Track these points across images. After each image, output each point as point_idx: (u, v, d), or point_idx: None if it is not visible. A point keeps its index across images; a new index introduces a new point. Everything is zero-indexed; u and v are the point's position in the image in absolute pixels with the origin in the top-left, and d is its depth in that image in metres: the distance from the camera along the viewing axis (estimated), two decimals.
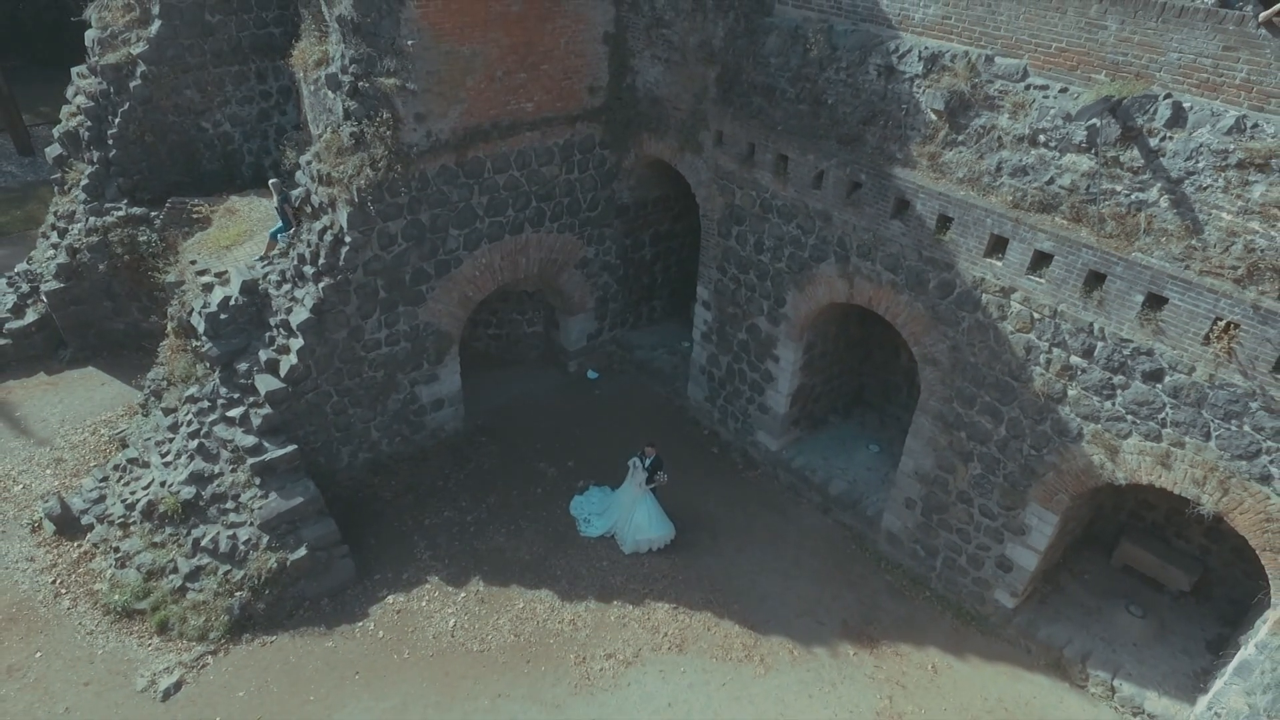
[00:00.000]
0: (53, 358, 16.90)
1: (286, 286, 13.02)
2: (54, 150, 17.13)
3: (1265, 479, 8.57)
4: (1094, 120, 8.83)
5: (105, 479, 13.43)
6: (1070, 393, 9.92)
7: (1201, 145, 8.17)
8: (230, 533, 11.93)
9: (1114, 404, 9.55)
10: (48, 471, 14.17)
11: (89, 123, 16.27)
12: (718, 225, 13.84)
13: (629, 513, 13.07)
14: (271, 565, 11.68)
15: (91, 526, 12.75)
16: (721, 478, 14.78)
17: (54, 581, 12.16)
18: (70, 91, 17.04)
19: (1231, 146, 7.96)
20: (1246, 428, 8.55)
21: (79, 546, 12.60)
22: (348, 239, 12.28)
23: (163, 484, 12.58)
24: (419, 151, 12.34)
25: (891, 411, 15.26)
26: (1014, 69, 9.47)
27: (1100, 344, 9.47)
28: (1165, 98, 8.36)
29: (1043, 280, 9.72)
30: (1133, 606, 11.70)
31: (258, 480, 12.16)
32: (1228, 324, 8.38)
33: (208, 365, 13.21)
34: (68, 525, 12.80)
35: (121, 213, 16.11)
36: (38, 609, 11.77)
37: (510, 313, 17.02)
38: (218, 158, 17.38)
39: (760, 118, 12.31)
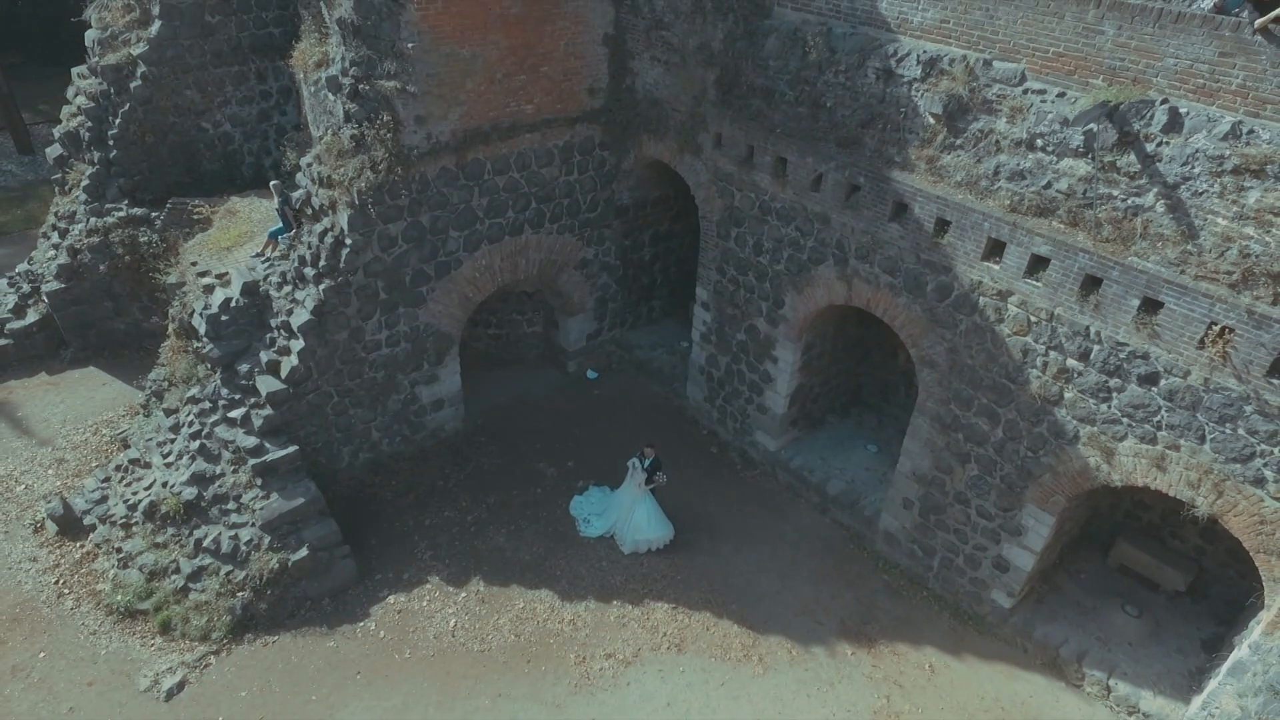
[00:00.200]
0: (54, 358, 16.93)
1: (287, 288, 13.07)
2: (54, 150, 17.15)
3: (1259, 482, 8.64)
4: (1091, 125, 8.86)
5: (107, 479, 13.47)
6: (1067, 395, 9.98)
7: (1197, 151, 8.21)
8: (232, 533, 12.00)
9: (1110, 407, 9.62)
10: (50, 472, 14.22)
11: (89, 123, 16.30)
12: (717, 227, 13.88)
13: (628, 513, 13.14)
14: (273, 565, 11.75)
15: (94, 527, 12.81)
16: (720, 478, 14.85)
17: (57, 582, 12.22)
18: (70, 92, 17.06)
19: (1227, 152, 8.01)
20: (1241, 431, 8.62)
21: (81, 547, 12.67)
22: (348, 241, 12.33)
23: (164, 484, 12.65)
24: (419, 154, 12.37)
25: (889, 412, 15.32)
26: (1012, 73, 9.50)
27: (1096, 347, 9.53)
28: (1162, 103, 8.39)
29: (1040, 284, 9.78)
30: (1128, 606, 11.78)
31: (259, 481, 12.22)
32: (1223, 328, 8.44)
33: (209, 366, 13.26)
34: (70, 526, 12.86)
35: (122, 213, 16.14)
36: (41, 609, 11.84)
37: (510, 313, 17.06)
38: (218, 158, 17.42)
39: (759, 120, 12.34)
